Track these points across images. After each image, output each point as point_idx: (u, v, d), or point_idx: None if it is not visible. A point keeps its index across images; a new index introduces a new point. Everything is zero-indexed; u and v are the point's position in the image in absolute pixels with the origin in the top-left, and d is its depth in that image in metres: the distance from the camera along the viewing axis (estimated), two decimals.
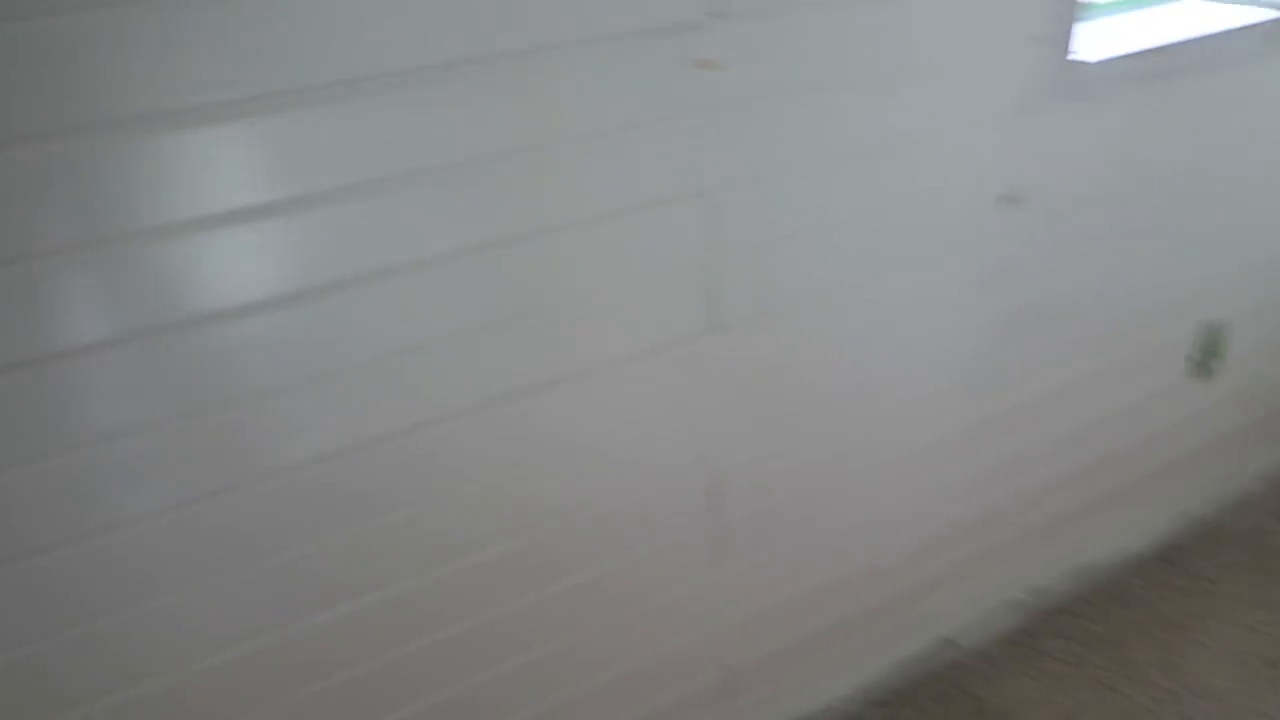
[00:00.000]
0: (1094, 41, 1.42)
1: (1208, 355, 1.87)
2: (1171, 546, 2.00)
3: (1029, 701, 1.67)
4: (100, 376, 0.90)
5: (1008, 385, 1.62)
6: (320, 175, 0.92)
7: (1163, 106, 1.52)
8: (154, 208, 0.86)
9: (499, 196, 1.03)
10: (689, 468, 1.33)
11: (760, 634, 1.55)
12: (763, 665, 1.59)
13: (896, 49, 1.21)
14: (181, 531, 0.99)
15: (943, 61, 1.26)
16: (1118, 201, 1.56)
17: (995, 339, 1.54)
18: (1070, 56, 1.35)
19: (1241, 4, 1.57)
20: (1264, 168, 1.75)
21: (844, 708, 1.69)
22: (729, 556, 1.44)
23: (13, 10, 0.75)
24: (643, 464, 1.29)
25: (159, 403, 0.93)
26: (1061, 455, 1.78)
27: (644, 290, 1.17)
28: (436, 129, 0.96)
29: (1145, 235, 1.64)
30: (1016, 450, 1.71)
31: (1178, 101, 1.53)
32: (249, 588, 1.06)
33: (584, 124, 1.04)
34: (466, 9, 0.93)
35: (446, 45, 0.94)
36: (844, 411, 1.44)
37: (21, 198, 0.81)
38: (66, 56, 0.78)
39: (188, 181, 0.87)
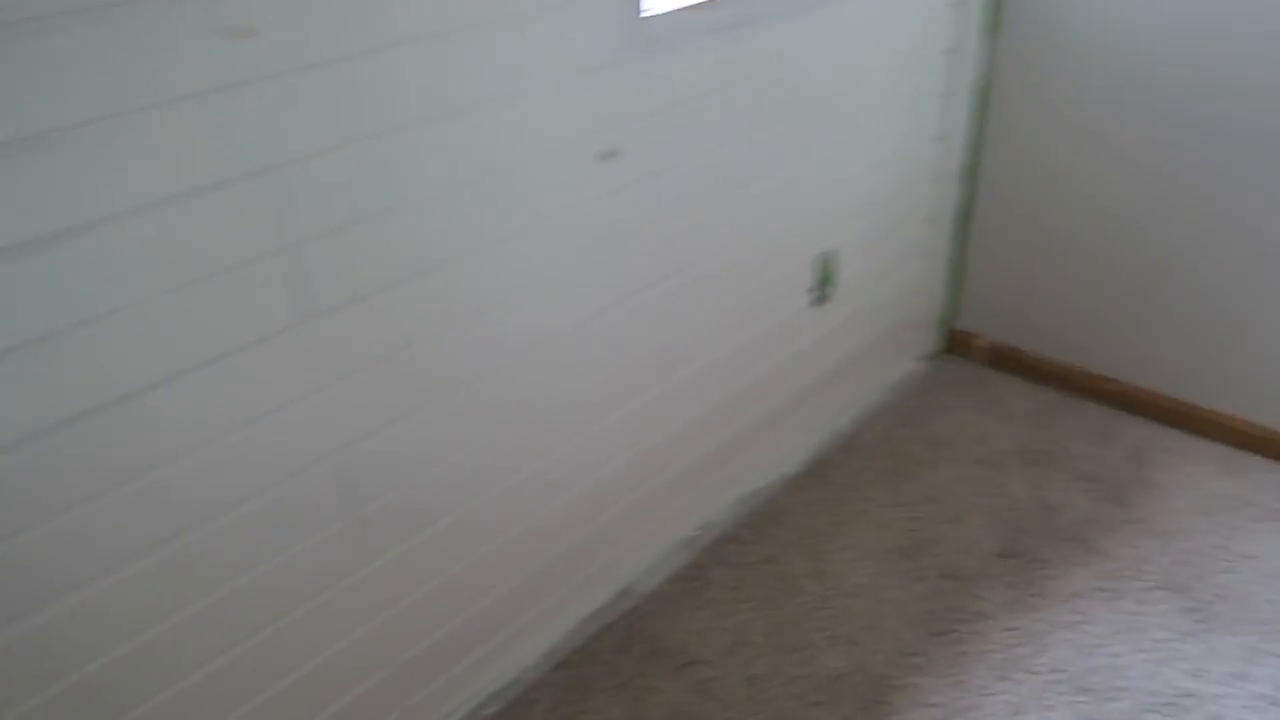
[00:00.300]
0: None
1: (823, 284, 2.04)
2: (818, 462, 2.18)
3: (701, 632, 1.76)
4: None
5: (645, 334, 1.67)
6: None
7: (740, 54, 1.61)
8: None
9: (20, 189, 0.90)
10: (313, 465, 1.26)
11: (429, 620, 1.51)
12: (439, 651, 1.55)
13: (459, 4, 1.18)
14: None
15: (513, 18, 1.25)
16: (714, 148, 1.64)
17: (624, 292, 1.58)
18: (642, 12, 1.39)
19: None
20: (844, 108, 1.92)
21: (529, 677, 1.69)
22: (378, 549, 1.38)
23: None
24: (260, 469, 1.20)
25: None
26: (711, 392, 1.87)
27: (216, 283, 1.08)
28: None
29: (750, 177, 1.75)
30: (666, 393, 1.77)
31: (753, 48, 1.62)
32: None
33: (105, 104, 0.93)
34: None
35: None
36: (477, 382, 1.42)
37: None
38: None
39: None
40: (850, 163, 2.01)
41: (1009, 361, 2.46)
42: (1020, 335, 2.43)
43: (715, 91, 1.60)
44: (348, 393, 1.25)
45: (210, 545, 1.17)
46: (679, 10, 1.44)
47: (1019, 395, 2.37)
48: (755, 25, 1.62)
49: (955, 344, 2.55)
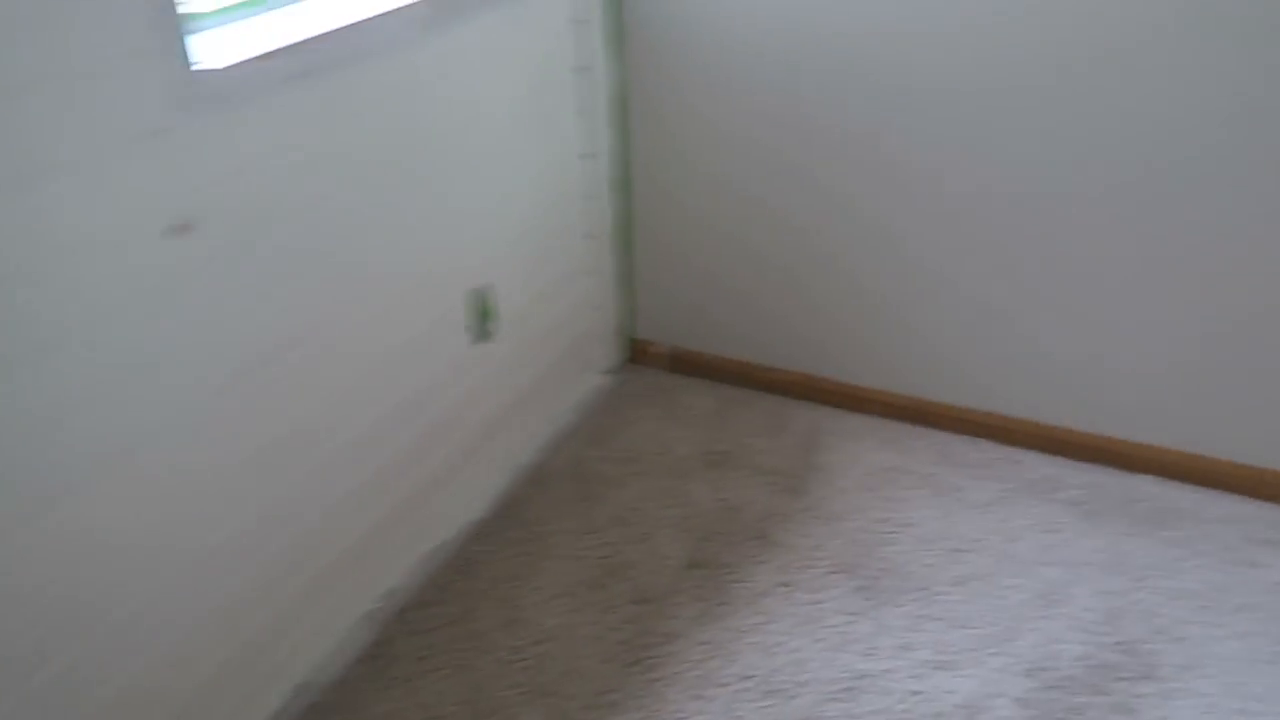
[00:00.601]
0: (228, 46, 1.33)
1: (482, 320, 1.96)
2: (507, 501, 2.11)
3: (390, 715, 1.64)
4: None
5: (278, 413, 1.52)
6: None
7: (337, 98, 1.49)
8: None
9: None
10: None
11: None
12: None
13: None
14: None
15: (14, 91, 1.06)
16: (324, 201, 1.51)
17: (237, 373, 1.42)
18: (195, 66, 1.24)
19: None
20: (474, 138, 1.84)
21: None
22: None
23: None
24: None
25: None
26: (375, 453, 1.75)
27: None
28: None
29: (375, 225, 1.63)
30: (318, 467, 1.63)
31: (351, 90, 1.51)
32: None
33: None
34: None
35: None
36: (54, 511, 1.21)
37: None
38: None
39: None
40: (491, 192, 1.94)
41: (687, 365, 2.50)
42: (694, 338, 2.48)
43: (313, 141, 1.47)
44: None
45: None
46: (244, 61, 1.29)
47: (699, 397, 2.42)
48: (348, 67, 1.50)
49: (637, 353, 2.57)
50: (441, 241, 1.83)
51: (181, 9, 1.20)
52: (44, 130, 1.10)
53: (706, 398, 2.41)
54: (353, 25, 1.47)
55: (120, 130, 1.19)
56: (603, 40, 2.16)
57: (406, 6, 1.58)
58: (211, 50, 1.30)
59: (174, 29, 1.21)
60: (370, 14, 1.51)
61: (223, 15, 1.41)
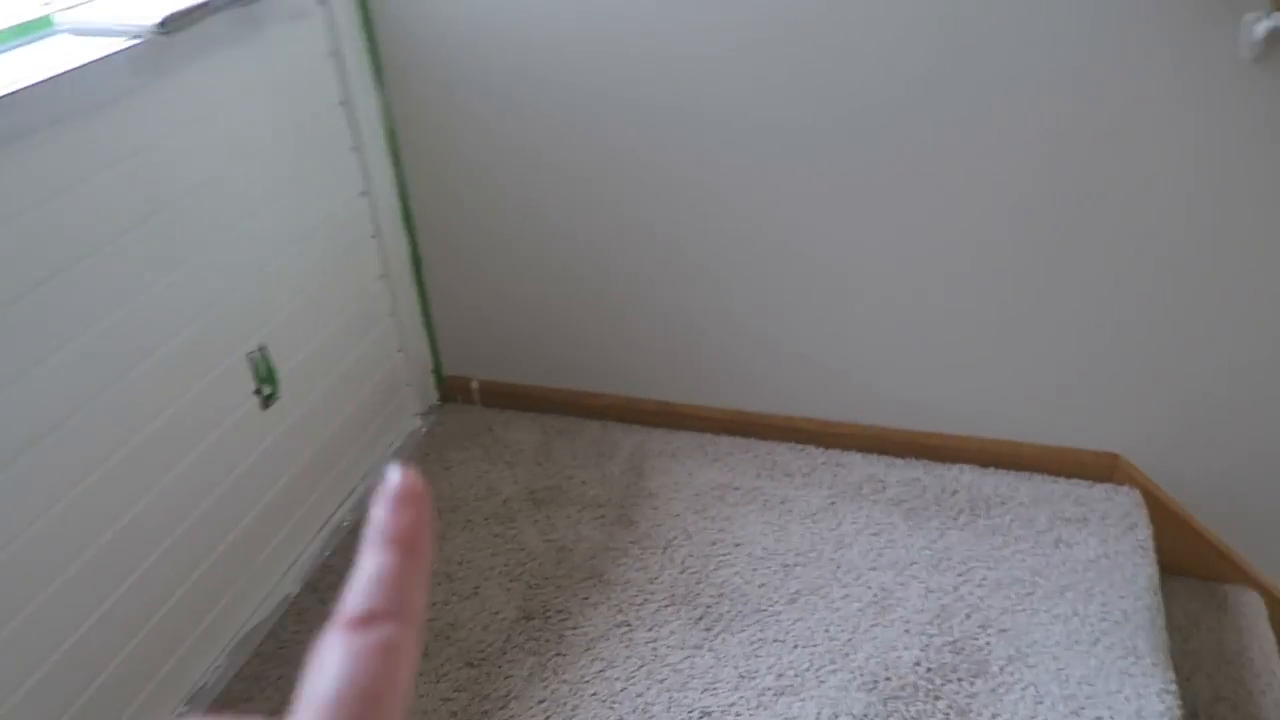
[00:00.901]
0: None
1: (265, 380, 1.81)
2: (323, 570, 1.95)
3: None
4: None
5: (36, 509, 1.33)
6: None
7: (30, 171, 1.30)
8: None
9: None
10: None
11: None
12: None
13: None
14: None
15: None
16: (41, 284, 1.33)
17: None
18: None
19: (109, 34, 1.41)
20: (230, 187, 1.68)
21: None
22: None
23: None
24: None
25: None
26: (149, 552, 1.57)
27: None
28: None
29: (115, 300, 1.46)
30: (92, 560, 1.44)
31: (50, 159, 1.33)
32: None
33: None
34: None
35: None
36: None
37: None
38: None
39: None
40: (259, 242, 1.78)
41: (504, 399, 2.40)
42: (511, 369, 2.38)
43: (13, 219, 1.28)
44: None
45: None
46: None
47: (521, 431, 2.32)
48: (43, 130, 1.32)
49: (453, 391, 2.45)
50: (204, 305, 1.66)
51: None
52: None
53: (529, 431, 2.32)
54: (38, 85, 1.28)
55: None
56: (364, 72, 2.02)
57: (106, 56, 1.39)
58: None
59: None
60: (60, 69, 1.32)
61: None
